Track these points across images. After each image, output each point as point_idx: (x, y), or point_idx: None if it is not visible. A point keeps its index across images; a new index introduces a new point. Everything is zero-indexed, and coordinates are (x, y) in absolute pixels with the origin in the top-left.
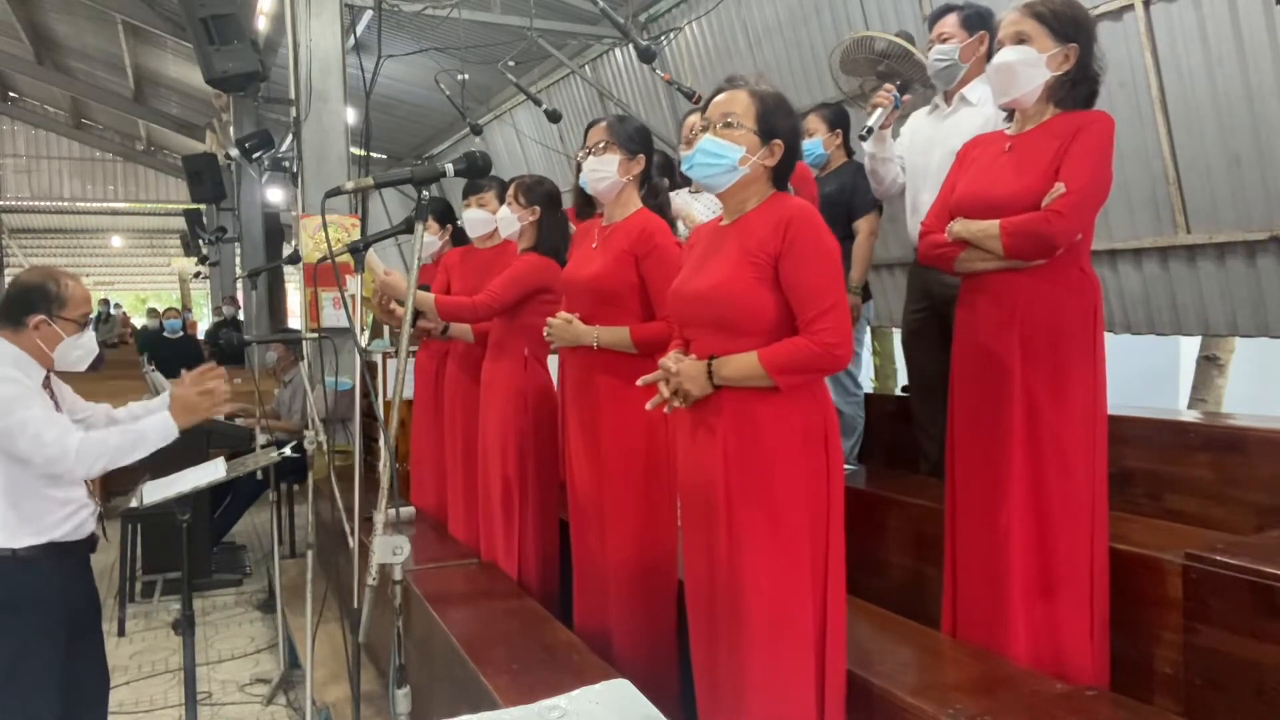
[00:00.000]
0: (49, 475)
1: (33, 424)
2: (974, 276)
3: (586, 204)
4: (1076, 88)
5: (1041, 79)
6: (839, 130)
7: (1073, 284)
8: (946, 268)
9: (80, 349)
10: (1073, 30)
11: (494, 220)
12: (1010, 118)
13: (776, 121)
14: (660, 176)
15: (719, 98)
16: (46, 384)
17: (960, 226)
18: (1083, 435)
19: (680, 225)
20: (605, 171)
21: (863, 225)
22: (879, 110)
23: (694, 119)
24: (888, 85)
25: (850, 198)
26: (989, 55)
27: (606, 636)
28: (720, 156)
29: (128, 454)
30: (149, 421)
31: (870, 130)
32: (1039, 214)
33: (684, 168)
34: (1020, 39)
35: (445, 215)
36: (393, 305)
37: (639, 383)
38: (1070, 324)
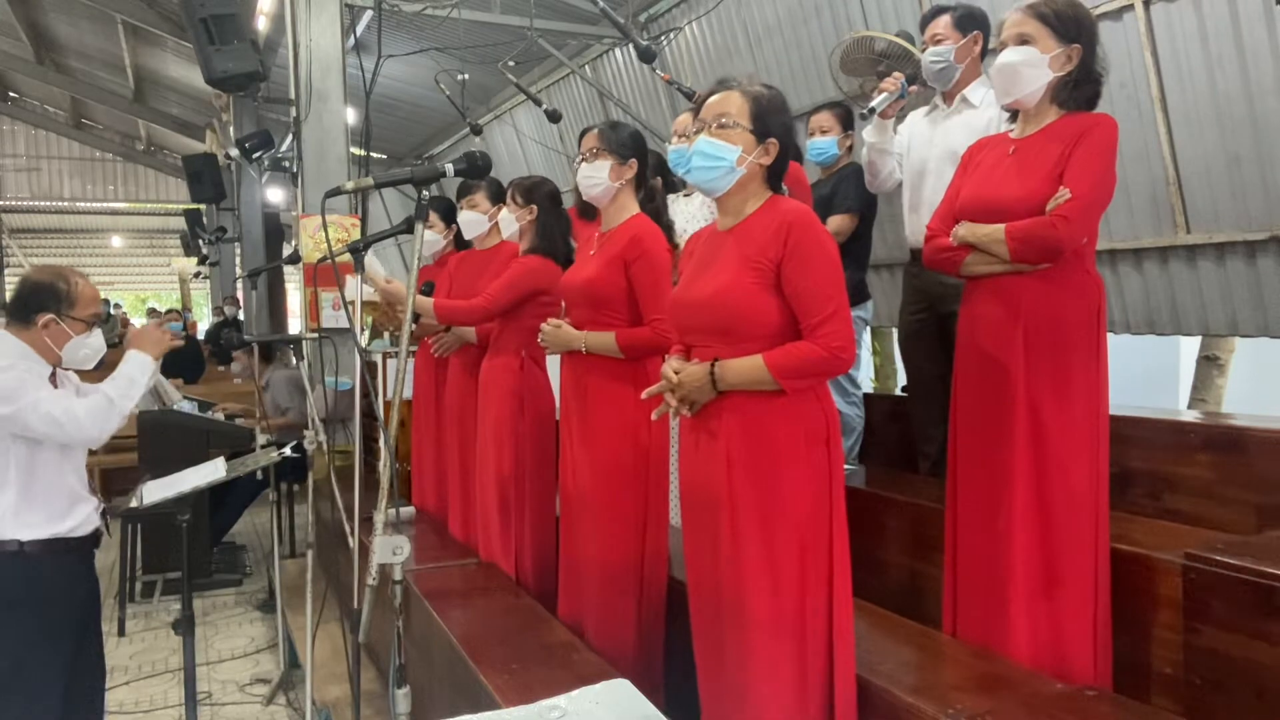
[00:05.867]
0: (69, 448)
1: (43, 404)
2: (978, 278)
3: (588, 205)
4: (1079, 88)
5: (1044, 80)
6: (850, 131)
7: (1076, 285)
8: (952, 271)
9: (88, 348)
10: (1075, 31)
11: (486, 221)
12: (1014, 119)
13: (770, 120)
14: (654, 176)
15: (712, 99)
16: (52, 378)
17: (966, 231)
18: (1085, 436)
19: (677, 230)
20: (597, 178)
21: (830, 223)
22: (884, 94)
23: (686, 117)
24: (896, 73)
25: (830, 197)
26: (983, 55)
27: (587, 634)
28: (719, 158)
29: (125, 400)
30: (124, 367)
31: (873, 110)
32: (1044, 219)
33: (679, 170)
34: (1023, 40)
35: (449, 214)
36: (399, 310)
37: (644, 394)
38: (1073, 325)
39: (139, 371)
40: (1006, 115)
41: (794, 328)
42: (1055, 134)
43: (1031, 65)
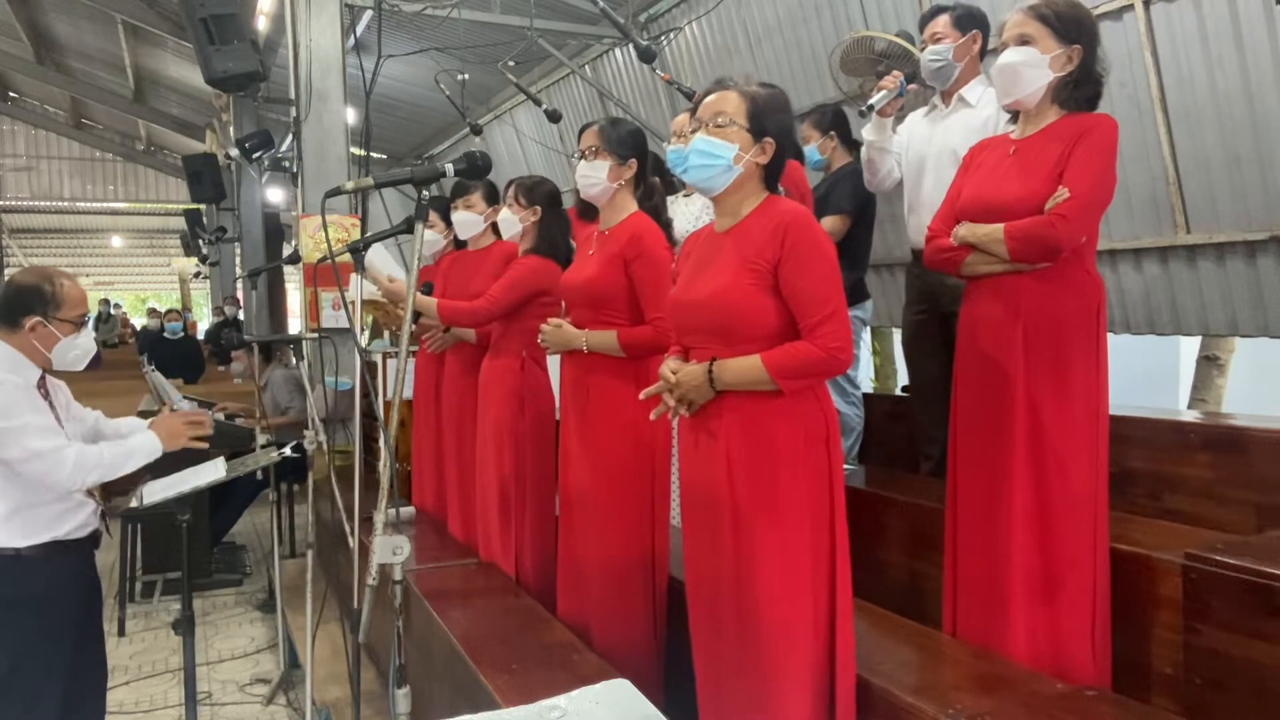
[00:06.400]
0: (42, 485)
1: (27, 434)
2: (978, 278)
3: (588, 205)
4: (1080, 89)
5: (1045, 80)
6: (833, 132)
7: (1076, 285)
8: (953, 271)
9: (77, 349)
10: (1076, 31)
11: (481, 221)
12: (1014, 120)
13: (767, 119)
14: (652, 176)
15: (709, 99)
16: (42, 383)
17: (966, 231)
18: (1085, 435)
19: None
20: (596, 177)
21: (823, 224)
22: (883, 92)
23: (684, 118)
24: (895, 71)
25: (825, 198)
26: (982, 54)
27: (589, 632)
28: (715, 156)
29: (117, 469)
30: (136, 440)
31: (871, 108)
32: (1043, 218)
33: (677, 170)
34: (1024, 40)
35: (449, 213)
36: (400, 309)
37: (642, 395)
38: (1072, 324)
39: (145, 453)
40: (1006, 115)
41: (792, 329)
42: (1056, 134)
43: (1032, 66)
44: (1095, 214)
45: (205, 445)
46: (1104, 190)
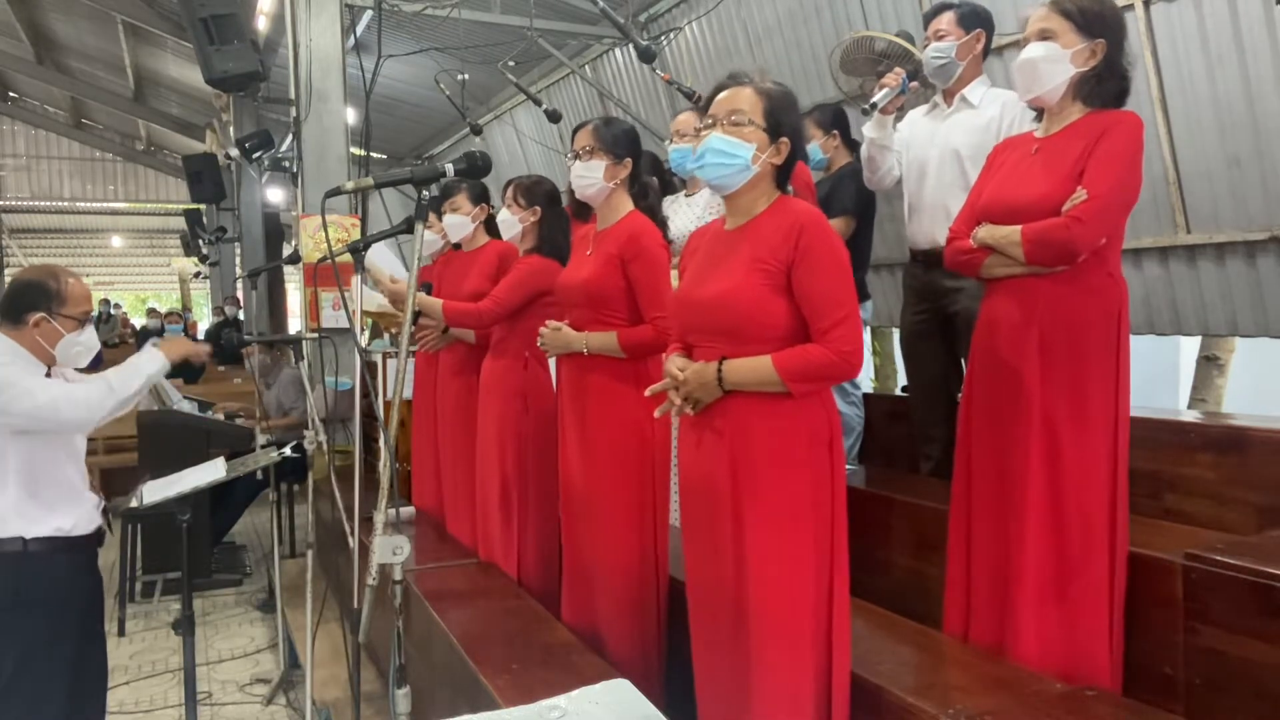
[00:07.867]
0: (67, 439)
1: (33, 392)
2: (998, 280)
3: (582, 204)
4: (1104, 84)
5: (1066, 75)
6: (835, 132)
7: (1095, 287)
8: (972, 273)
9: (80, 346)
10: (1099, 26)
11: (470, 223)
12: (1039, 117)
13: (783, 119)
14: (649, 175)
15: (723, 95)
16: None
17: (985, 232)
18: (1102, 443)
19: (672, 229)
20: (591, 177)
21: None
22: (885, 90)
23: (686, 117)
24: (897, 69)
25: (828, 198)
26: (985, 54)
27: (592, 633)
28: (733, 156)
29: (128, 387)
30: (138, 356)
31: (874, 105)
32: (1059, 220)
33: (688, 167)
34: (1045, 35)
35: None
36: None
37: (647, 392)
38: (1090, 328)
39: (148, 364)
40: (1009, 117)
41: (802, 330)
42: (1079, 132)
43: (1052, 61)
44: (1115, 215)
45: (207, 353)
46: (1124, 191)
